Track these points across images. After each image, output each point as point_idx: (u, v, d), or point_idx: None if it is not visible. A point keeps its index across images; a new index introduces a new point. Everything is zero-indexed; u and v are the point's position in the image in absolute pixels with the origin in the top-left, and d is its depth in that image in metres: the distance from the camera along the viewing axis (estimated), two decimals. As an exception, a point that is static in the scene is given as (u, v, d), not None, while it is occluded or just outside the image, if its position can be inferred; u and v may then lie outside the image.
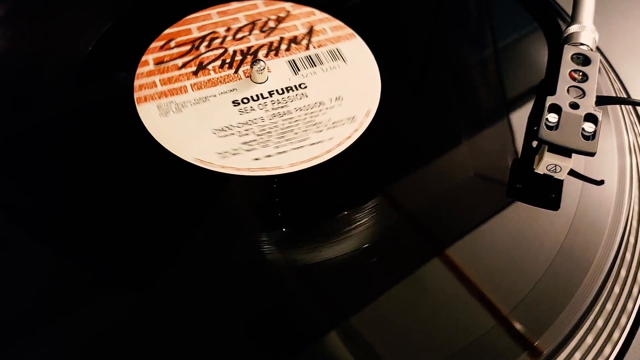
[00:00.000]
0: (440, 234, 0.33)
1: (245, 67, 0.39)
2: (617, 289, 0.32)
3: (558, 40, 0.41)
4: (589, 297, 0.30)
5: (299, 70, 0.39)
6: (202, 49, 0.40)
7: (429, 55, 0.42)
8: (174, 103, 0.37)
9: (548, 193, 0.34)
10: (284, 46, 0.41)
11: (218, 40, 0.41)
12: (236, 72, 0.39)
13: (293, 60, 0.40)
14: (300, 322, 0.29)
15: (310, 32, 0.41)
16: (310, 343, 0.28)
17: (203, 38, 0.41)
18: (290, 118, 0.37)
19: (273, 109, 0.37)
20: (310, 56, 0.40)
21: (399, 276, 0.30)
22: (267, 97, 0.38)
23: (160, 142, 0.35)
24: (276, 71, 0.39)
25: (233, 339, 0.29)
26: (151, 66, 0.39)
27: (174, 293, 0.30)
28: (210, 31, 0.41)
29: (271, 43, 0.41)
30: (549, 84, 0.37)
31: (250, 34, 0.41)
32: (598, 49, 0.43)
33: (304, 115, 0.37)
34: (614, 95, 0.39)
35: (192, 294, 0.30)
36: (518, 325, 0.29)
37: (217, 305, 0.29)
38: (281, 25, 0.42)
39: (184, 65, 0.39)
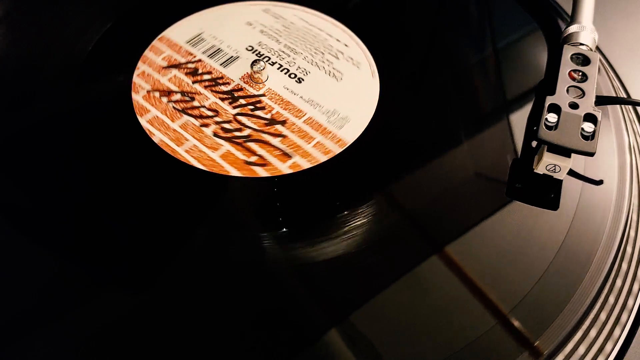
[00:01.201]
0: (440, 234, 0.32)
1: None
2: (618, 282, 0.32)
3: (558, 40, 0.41)
4: (591, 293, 0.30)
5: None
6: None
7: (428, 55, 0.42)
8: None
9: (547, 193, 0.34)
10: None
11: None
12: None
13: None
14: (300, 322, 0.29)
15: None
16: (310, 343, 0.28)
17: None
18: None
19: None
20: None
21: (399, 276, 0.30)
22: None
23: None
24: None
25: (233, 339, 0.29)
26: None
27: (173, 293, 0.30)
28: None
29: None
30: (549, 84, 0.37)
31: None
32: (598, 48, 0.43)
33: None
34: (614, 95, 0.39)
35: (191, 293, 0.30)
36: (518, 325, 0.29)
37: (217, 305, 0.29)
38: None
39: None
